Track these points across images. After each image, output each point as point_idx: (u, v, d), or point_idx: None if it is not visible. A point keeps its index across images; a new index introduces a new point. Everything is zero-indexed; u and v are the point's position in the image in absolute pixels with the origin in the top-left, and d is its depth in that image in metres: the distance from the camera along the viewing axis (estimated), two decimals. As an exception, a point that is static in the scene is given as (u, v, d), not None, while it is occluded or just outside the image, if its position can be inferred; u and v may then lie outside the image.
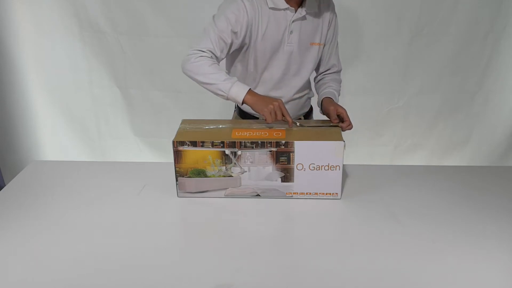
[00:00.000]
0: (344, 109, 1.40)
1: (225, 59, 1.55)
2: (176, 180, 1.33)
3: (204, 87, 1.37)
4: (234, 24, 1.36)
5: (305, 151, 1.28)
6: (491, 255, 1.11)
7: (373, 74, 2.39)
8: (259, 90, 1.52)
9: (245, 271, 1.05)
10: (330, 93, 1.51)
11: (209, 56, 1.36)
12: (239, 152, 1.29)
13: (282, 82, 1.52)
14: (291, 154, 1.28)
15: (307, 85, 1.60)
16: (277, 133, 1.32)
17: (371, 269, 1.06)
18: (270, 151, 1.28)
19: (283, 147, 1.27)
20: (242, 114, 1.63)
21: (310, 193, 1.35)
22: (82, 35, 2.24)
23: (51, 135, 2.45)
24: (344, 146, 1.27)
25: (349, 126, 1.39)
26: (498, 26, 2.29)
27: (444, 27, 2.26)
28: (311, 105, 1.71)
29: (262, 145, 1.28)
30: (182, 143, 1.28)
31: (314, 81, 1.64)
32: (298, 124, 1.38)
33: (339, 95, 1.56)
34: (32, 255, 1.10)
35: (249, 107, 1.37)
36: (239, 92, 1.34)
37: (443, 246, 1.14)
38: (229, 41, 1.38)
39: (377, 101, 2.46)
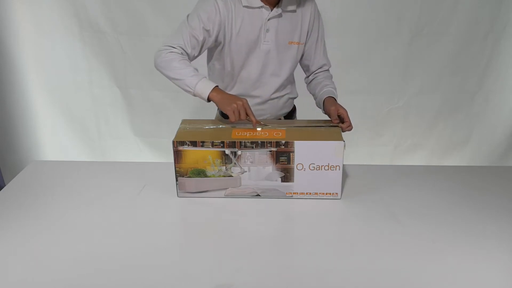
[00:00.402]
0: (345, 110, 1.40)
1: (206, 58, 1.55)
2: (176, 180, 1.33)
3: (174, 83, 1.38)
4: (206, 22, 1.37)
5: (305, 151, 1.28)
6: (491, 255, 1.11)
7: (373, 74, 2.39)
8: (237, 89, 1.52)
9: (245, 271, 1.05)
10: (330, 92, 1.50)
11: (180, 52, 1.37)
12: (239, 152, 1.29)
13: (260, 81, 1.51)
14: (291, 154, 1.28)
15: (287, 85, 1.58)
16: (277, 133, 1.32)
17: (371, 269, 1.06)
18: (270, 151, 1.28)
19: (283, 147, 1.27)
20: (223, 114, 1.61)
21: (310, 193, 1.34)
22: (82, 35, 2.24)
23: (51, 135, 2.46)
24: (344, 146, 1.27)
25: (349, 127, 1.39)
26: (498, 26, 2.29)
27: (444, 27, 2.26)
28: (294, 105, 1.69)
29: (262, 145, 1.28)
30: (182, 143, 1.28)
31: (306, 81, 1.63)
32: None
33: (336, 91, 1.56)
34: (32, 255, 1.10)
35: None
36: (204, 88, 1.34)
37: (443, 246, 1.14)
38: (201, 39, 1.39)
39: (377, 101, 2.46)
